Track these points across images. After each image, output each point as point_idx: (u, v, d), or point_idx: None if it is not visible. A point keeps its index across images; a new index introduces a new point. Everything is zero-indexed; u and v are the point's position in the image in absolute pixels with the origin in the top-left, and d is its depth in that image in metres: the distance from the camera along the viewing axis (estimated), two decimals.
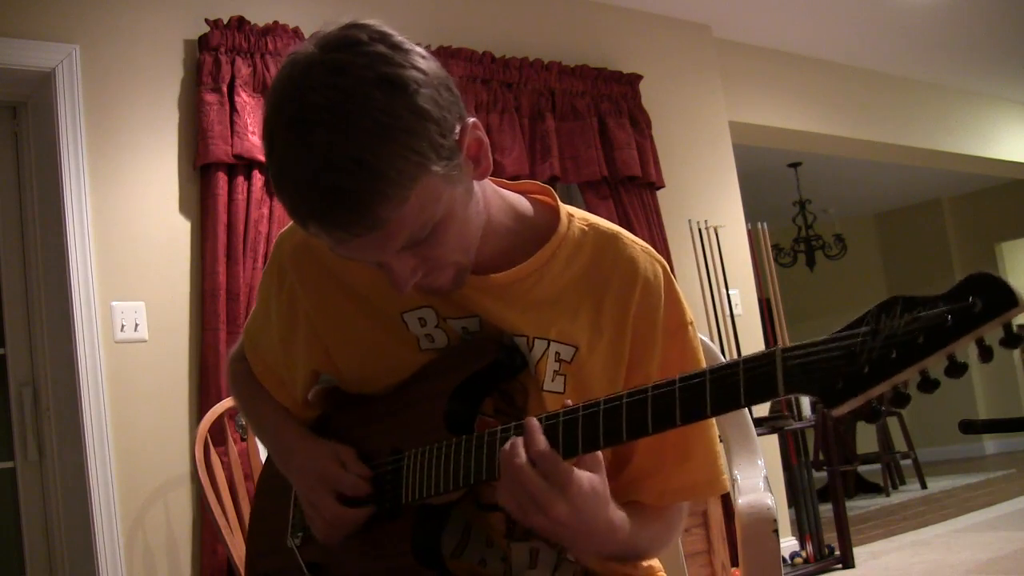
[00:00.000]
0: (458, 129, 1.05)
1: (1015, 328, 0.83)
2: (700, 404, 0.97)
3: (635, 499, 1.22)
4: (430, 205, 1.03)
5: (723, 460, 1.27)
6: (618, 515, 1.11)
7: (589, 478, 1.04)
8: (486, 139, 1.09)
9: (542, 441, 1.03)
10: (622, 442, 1.03)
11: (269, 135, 1.03)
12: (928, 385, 0.86)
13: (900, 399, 0.87)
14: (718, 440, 1.27)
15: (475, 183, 1.11)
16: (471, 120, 1.07)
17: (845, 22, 5.32)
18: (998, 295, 0.83)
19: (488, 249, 1.18)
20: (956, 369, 0.84)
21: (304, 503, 1.26)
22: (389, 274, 1.09)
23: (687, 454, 1.22)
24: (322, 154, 0.97)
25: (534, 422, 1.05)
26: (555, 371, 1.18)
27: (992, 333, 0.84)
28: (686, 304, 1.24)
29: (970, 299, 0.83)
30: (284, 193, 1.02)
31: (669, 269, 1.25)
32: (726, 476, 1.28)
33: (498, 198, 1.21)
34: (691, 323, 1.24)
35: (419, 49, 1.04)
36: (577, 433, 1.05)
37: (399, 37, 1.03)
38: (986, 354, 0.84)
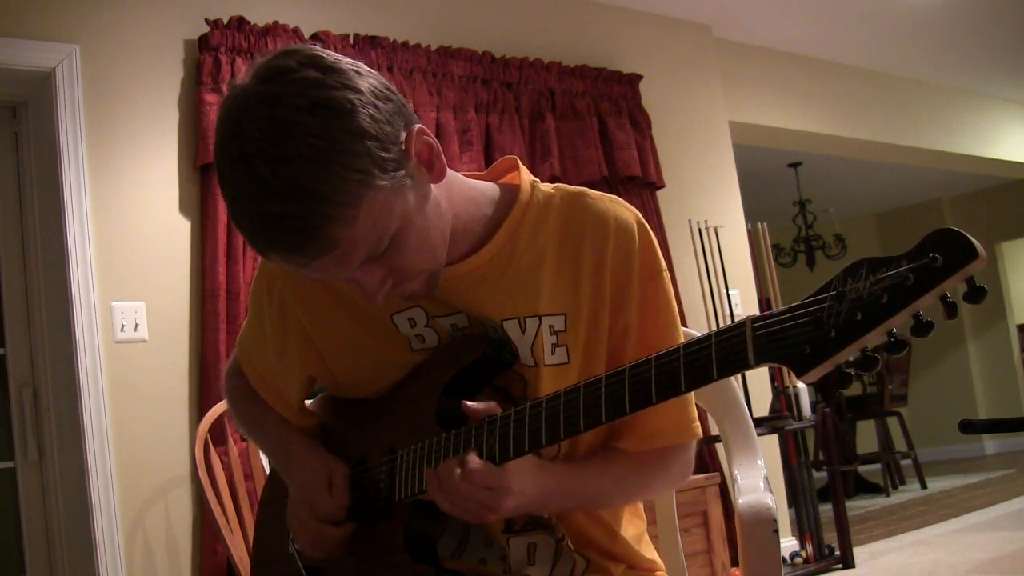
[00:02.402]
0: (403, 137, 1.06)
1: (977, 282, 0.83)
2: (675, 381, 0.97)
3: (618, 446, 1.24)
4: (383, 219, 1.04)
5: (693, 411, 1.26)
6: (557, 469, 1.17)
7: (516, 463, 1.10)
8: (435, 142, 1.10)
9: (473, 458, 1.08)
10: (602, 423, 1.04)
11: (219, 172, 1.04)
12: (896, 346, 0.86)
13: (868, 362, 0.86)
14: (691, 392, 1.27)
15: (433, 186, 1.12)
16: (417, 126, 1.08)
17: (845, 22, 5.32)
18: (958, 249, 0.82)
19: (462, 244, 1.18)
20: (922, 328, 0.84)
21: (290, 515, 1.27)
22: (360, 288, 1.10)
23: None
24: (265, 185, 0.99)
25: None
26: (553, 344, 1.19)
27: (956, 288, 0.83)
28: (659, 252, 1.25)
29: (930, 255, 0.83)
30: (240, 227, 1.04)
31: (642, 219, 1.25)
32: (696, 425, 1.26)
33: (469, 190, 1.21)
34: (664, 270, 1.24)
35: (354, 66, 1.05)
36: (559, 420, 1.05)
37: (331, 58, 1.04)
38: (951, 310, 0.83)
